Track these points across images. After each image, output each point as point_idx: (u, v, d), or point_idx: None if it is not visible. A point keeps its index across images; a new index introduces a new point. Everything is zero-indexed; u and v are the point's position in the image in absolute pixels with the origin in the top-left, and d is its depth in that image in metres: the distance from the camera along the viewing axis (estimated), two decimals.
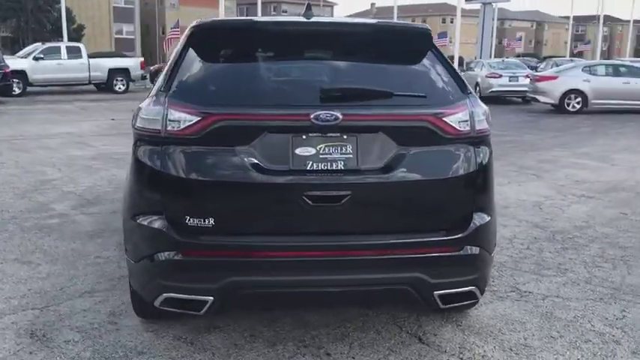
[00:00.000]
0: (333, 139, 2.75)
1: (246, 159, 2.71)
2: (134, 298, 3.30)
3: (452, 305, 2.99)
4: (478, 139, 2.91)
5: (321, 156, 2.74)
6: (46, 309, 3.67)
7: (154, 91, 2.98)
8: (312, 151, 2.74)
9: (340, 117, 2.69)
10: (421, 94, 2.87)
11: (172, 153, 2.75)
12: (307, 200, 2.69)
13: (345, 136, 2.75)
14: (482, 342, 3.32)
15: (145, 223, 2.82)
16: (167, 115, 2.75)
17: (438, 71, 2.99)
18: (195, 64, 2.98)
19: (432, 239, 2.78)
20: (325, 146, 2.75)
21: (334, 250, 2.71)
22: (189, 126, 2.72)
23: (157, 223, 2.78)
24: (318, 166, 2.73)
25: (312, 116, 2.69)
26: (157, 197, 2.80)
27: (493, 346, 3.28)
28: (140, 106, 2.99)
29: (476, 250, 2.86)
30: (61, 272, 4.29)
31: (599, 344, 3.34)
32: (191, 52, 2.99)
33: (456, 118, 2.83)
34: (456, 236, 2.81)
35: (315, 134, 2.74)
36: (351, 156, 2.75)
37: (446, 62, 3.07)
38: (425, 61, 3.03)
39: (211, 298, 2.72)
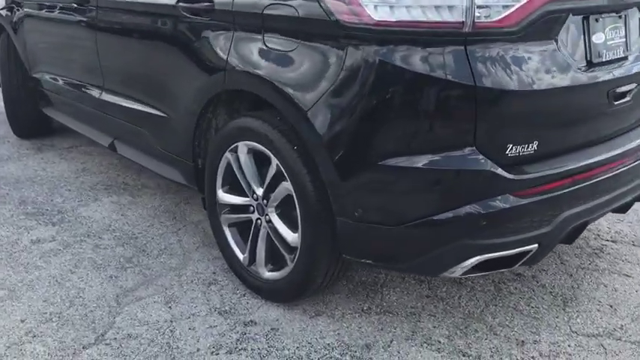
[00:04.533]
0: (614, 21, 2.23)
1: (562, 55, 2.01)
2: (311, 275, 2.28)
3: None
4: None
5: (608, 43, 2.21)
6: None
7: None
8: (602, 37, 2.18)
9: None
10: None
11: (485, 56, 1.85)
12: (613, 99, 2.18)
13: (619, 16, 2.26)
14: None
15: (438, 164, 1.90)
16: None
17: None
18: None
19: None
20: (609, 30, 2.21)
21: (634, 153, 2.30)
22: (508, 14, 1.85)
23: (467, 161, 1.89)
24: (608, 55, 2.20)
25: None
26: (462, 125, 1.89)
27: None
28: None
29: None
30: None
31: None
32: None
33: None
34: None
35: (606, 15, 2.18)
36: (624, 40, 2.29)
37: None
38: None
39: (536, 245, 2.05)
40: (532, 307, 2.53)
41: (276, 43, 2.16)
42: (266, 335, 2.30)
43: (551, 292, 2.65)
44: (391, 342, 2.28)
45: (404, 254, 2.07)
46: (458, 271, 2.02)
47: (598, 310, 2.52)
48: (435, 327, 2.38)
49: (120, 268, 2.75)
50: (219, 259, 2.79)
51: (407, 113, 1.90)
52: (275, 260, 2.44)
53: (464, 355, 2.22)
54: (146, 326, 2.34)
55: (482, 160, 1.88)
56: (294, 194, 2.20)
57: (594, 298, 2.61)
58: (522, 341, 2.31)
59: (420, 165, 1.90)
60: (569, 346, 2.29)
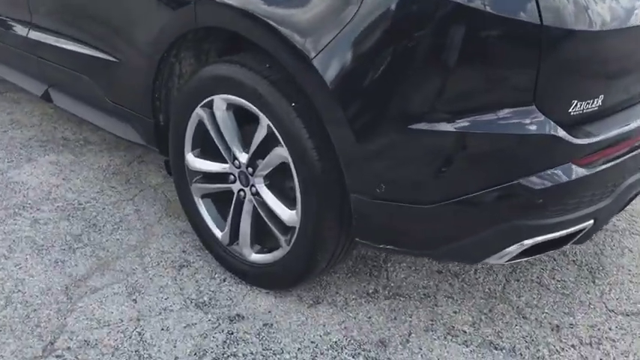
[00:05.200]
0: None
1: None
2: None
3: None
4: None
5: None
6: None
7: None
8: None
9: None
10: None
11: None
12: None
13: None
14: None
15: (487, 127, 1.47)
16: None
17: None
18: None
19: None
20: None
21: None
22: None
23: (524, 123, 1.48)
24: None
25: None
26: (521, 76, 1.46)
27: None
28: None
29: None
30: None
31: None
32: None
33: None
34: None
35: None
36: None
37: None
38: None
39: (591, 221, 1.69)
40: (558, 281, 2.21)
41: None
42: (258, 334, 1.88)
43: (574, 260, 2.33)
44: (409, 335, 1.91)
45: (438, 239, 1.67)
46: (503, 257, 1.64)
47: (630, 282, 2.23)
48: (455, 312, 2.02)
49: (67, 250, 2.25)
50: (188, 234, 2.33)
51: (450, 61, 1.45)
52: (264, 240, 2.00)
53: (495, 348, 1.88)
54: (107, 328, 1.88)
55: (542, 121, 1.48)
56: (291, 163, 1.75)
57: (622, 266, 2.31)
58: (557, 325, 2.00)
59: (462, 129, 1.48)
60: (609, 329, 1.99)
